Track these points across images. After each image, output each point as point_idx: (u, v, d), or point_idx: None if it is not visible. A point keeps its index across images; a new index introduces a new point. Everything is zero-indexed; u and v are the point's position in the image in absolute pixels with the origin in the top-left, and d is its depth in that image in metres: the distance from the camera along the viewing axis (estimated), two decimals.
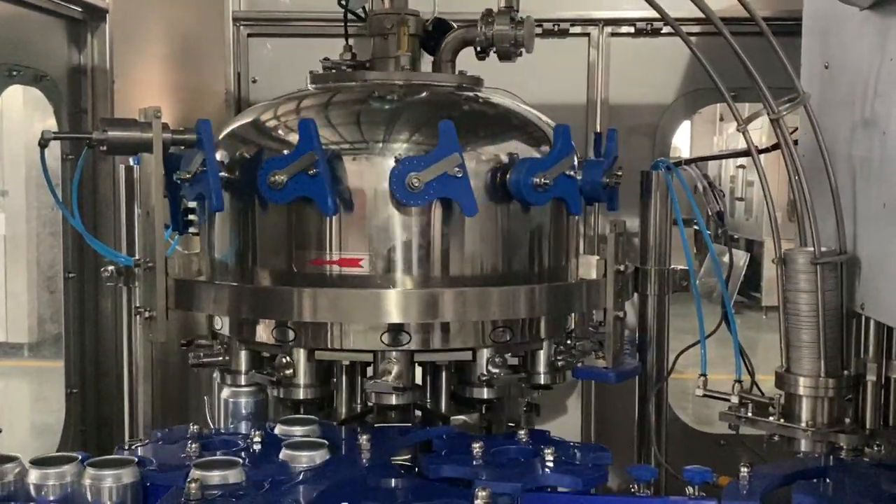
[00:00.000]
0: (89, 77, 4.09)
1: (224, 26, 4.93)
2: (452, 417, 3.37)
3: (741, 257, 12.71)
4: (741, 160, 14.13)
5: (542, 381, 3.43)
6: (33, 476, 2.53)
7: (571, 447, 3.03)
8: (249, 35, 5.02)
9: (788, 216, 3.30)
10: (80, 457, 2.61)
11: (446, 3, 3.76)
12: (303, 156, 2.99)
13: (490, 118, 3.44)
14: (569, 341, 3.53)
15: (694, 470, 2.82)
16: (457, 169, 3.00)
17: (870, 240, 2.97)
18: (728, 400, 3.21)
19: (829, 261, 2.96)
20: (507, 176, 3.16)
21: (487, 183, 3.16)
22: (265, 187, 3.03)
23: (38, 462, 2.57)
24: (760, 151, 3.32)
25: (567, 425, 4.91)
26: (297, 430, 2.98)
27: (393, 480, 2.78)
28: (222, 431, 3.30)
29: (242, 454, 2.81)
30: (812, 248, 2.96)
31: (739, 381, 3.22)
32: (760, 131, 8.26)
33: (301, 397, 3.26)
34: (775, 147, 3.13)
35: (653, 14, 3.35)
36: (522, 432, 3.10)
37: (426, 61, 3.64)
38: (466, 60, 3.57)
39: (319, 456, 2.74)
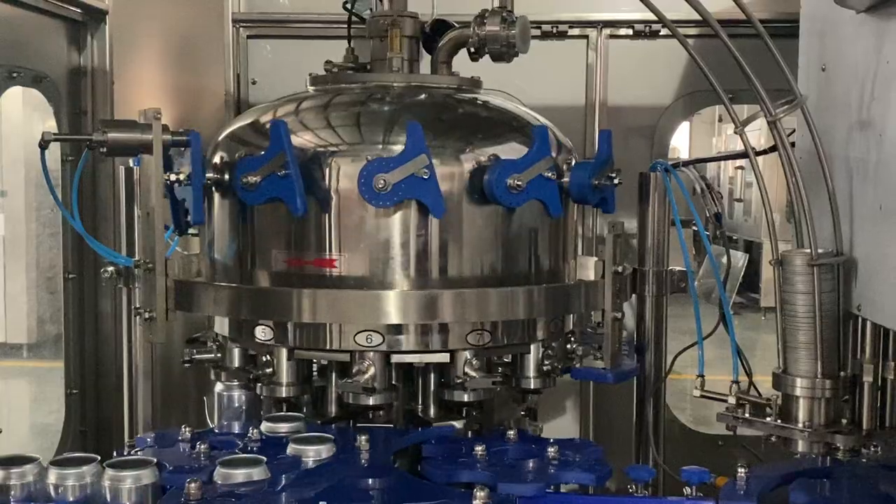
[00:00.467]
0: (89, 78, 4.09)
1: (223, 28, 4.93)
2: (435, 424, 3.30)
3: (740, 258, 12.67)
4: (740, 161, 14.14)
5: (531, 386, 3.39)
6: (52, 476, 2.54)
7: (563, 444, 3.02)
8: (249, 36, 5.02)
9: (786, 218, 3.31)
10: (98, 458, 2.61)
11: (449, 4, 3.76)
12: (274, 157, 3.01)
13: (483, 120, 3.43)
14: (567, 345, 3.51)
15: (692, 470, 2.81)
16: (424, 170, 2.97)
17: (866, 241, 2.98)
18: (725, 401, 3.21)
19: (826, 262, 2.97)
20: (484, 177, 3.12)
21: (479, 185, 3.13)
22: (240, 188, 3.06)
23: (58, 463, 2.57)
24: (758, 153, 3.34)
25: (565, 426, 4.92)
26: (283, 427, 3.02)
27: (393, 481, 2.77)
28: (216, 431, 3.30)
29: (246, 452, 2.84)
30: (809, 250, 2.97)
31: (737, 382, 3.23)
32: (759, 133, 8.28)
33: (283, 395, 3.27)
34: (772, 149, 3.14)
35: (651, 16, 3.35)
36: (511, 433, 3.10)
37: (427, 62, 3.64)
38: (473, 63, 3.56)
39: (326, 450, 2.78)
